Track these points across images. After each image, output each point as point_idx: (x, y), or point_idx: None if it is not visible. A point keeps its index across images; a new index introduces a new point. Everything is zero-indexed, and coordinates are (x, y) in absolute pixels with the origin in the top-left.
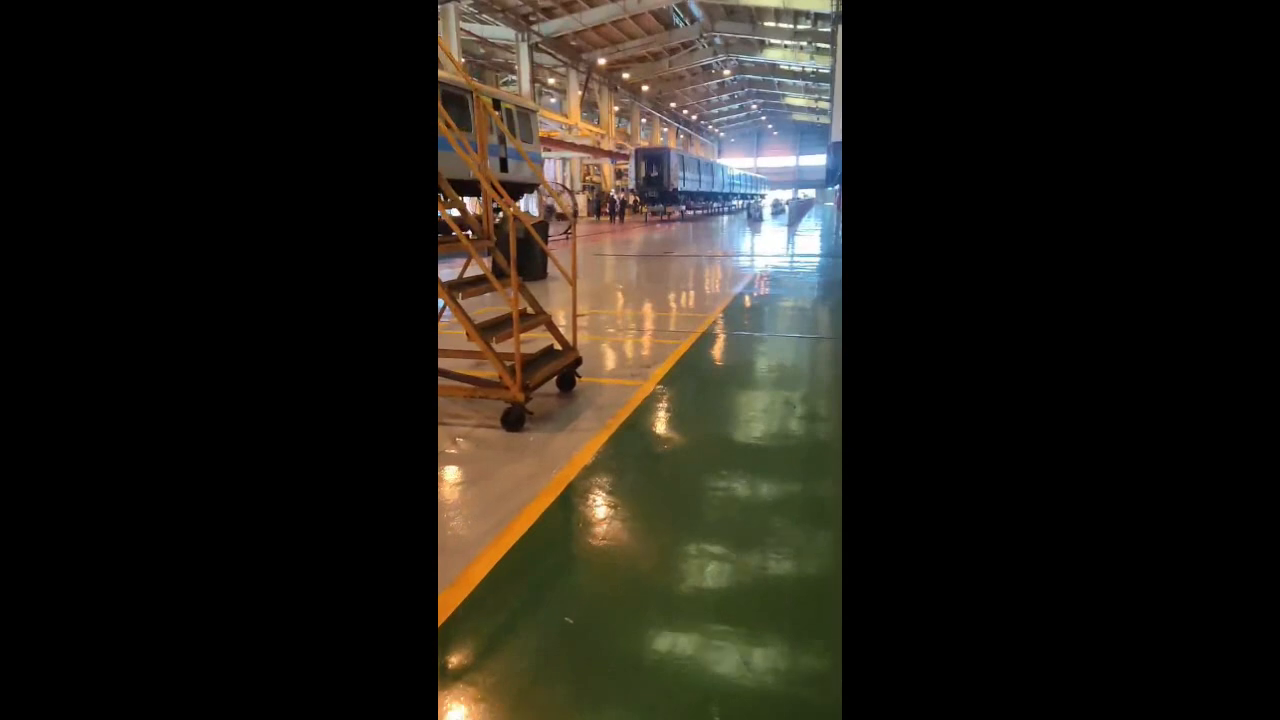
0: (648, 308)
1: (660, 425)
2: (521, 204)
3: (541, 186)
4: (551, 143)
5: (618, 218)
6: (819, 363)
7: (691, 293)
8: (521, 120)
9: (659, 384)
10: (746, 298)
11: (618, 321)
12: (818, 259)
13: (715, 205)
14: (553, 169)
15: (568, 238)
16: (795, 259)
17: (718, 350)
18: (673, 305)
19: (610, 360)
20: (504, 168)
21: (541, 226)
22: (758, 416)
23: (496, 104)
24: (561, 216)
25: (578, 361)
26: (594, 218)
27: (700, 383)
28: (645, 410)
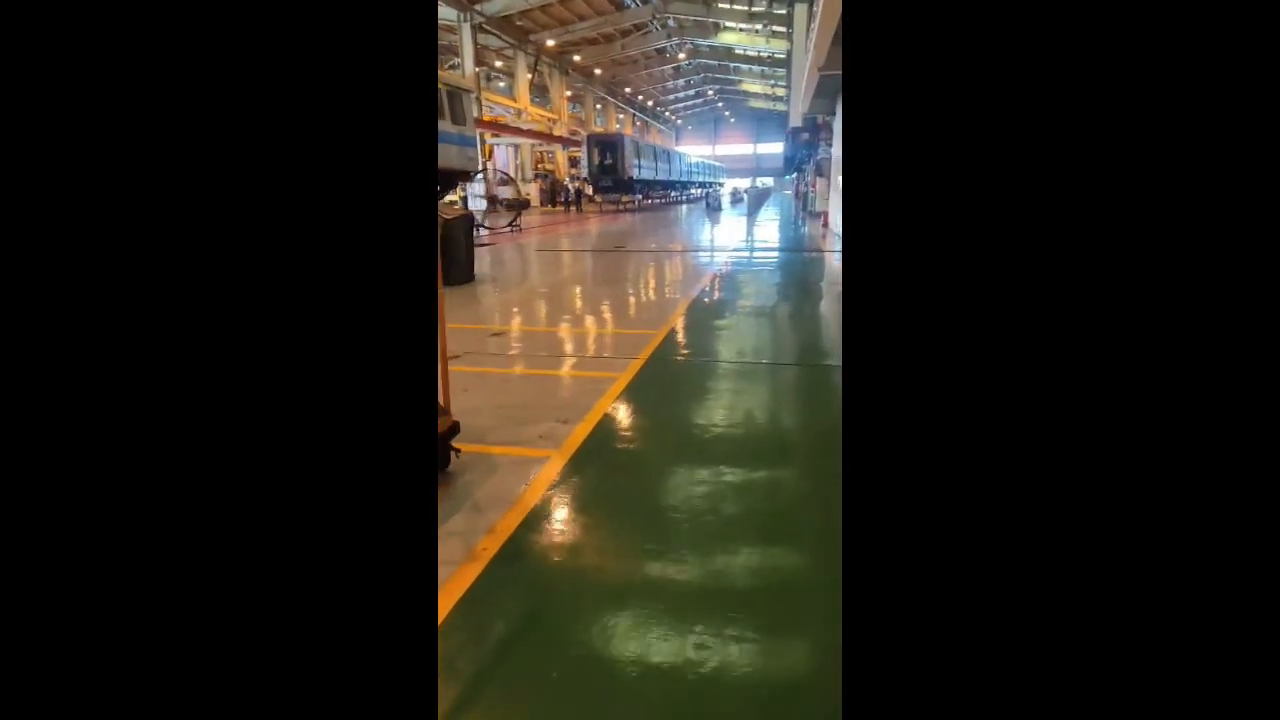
0: (586, 321)
1: (567, 544)
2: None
3: (486, 173)
4: (500, 128)
5: (573, 207)
6: (791, 409)
7: (640, 298)
8: (452, 101)
9: (577, 453)
10: (704, 303)
11: (543, 342)
12: (779, 253)
13: (674, 194)
14: (504, 156)
15: (513, 230)
16: (756, 253)
17: (664, 389)
18: (616, 316)
19: (514, 411)
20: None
21: (465, 220)
22: (723, 512)
23: None
24: (511, 205)
25: (453, 430)
26: (550, 207)
27: (634, 451)
28: (547, 511)
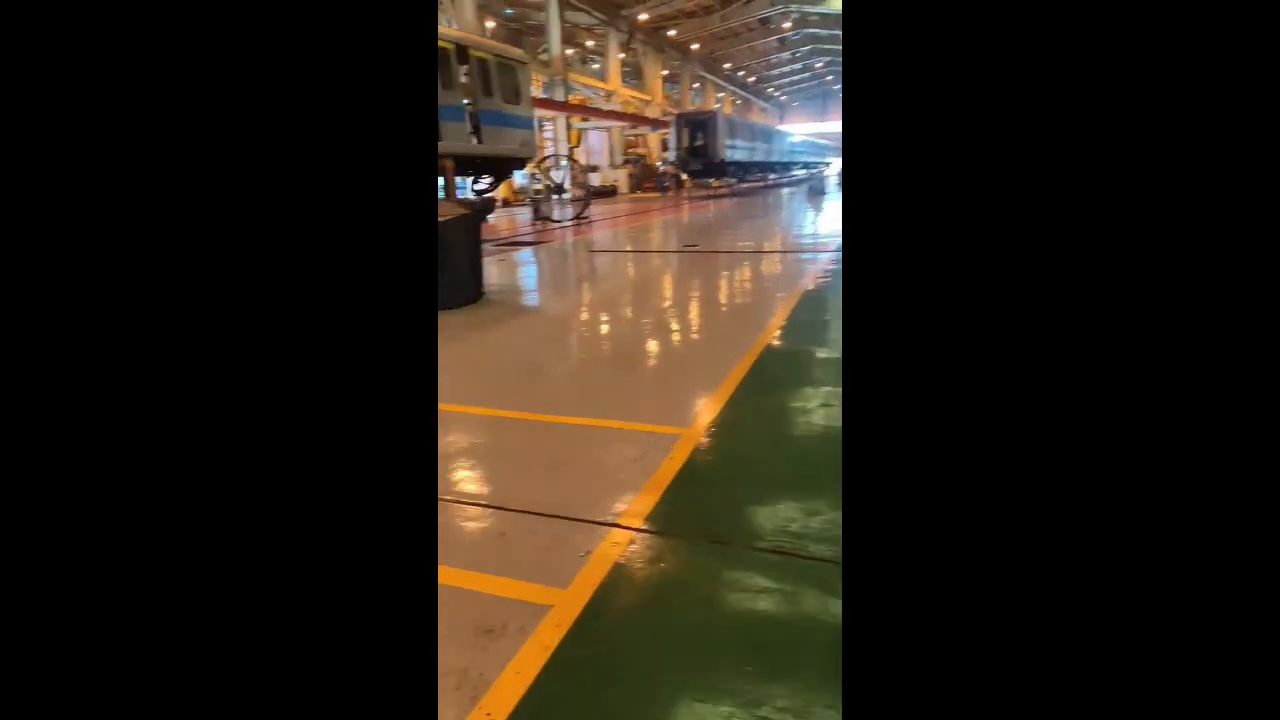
0: (571, 405)
1: None
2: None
3: (572, 159)
4: (588, 110)
5: (668, 192)
6: None
7: (686, 345)
8: (502, 75)
9: None
10: (779, 354)
11: (509, 452)
12: None
13: (773, 176)
14: (597, 139)
15: (580, 223)
16: None
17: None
18: (635, 390)
19: None
20: (479, 137)
21: (465, 221)
22: None
23: (463, 52)
24: (595, 192)
25: None
26: (639, 193)
27: None
28: None
